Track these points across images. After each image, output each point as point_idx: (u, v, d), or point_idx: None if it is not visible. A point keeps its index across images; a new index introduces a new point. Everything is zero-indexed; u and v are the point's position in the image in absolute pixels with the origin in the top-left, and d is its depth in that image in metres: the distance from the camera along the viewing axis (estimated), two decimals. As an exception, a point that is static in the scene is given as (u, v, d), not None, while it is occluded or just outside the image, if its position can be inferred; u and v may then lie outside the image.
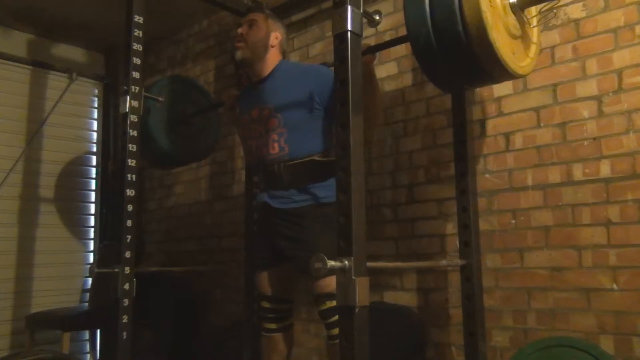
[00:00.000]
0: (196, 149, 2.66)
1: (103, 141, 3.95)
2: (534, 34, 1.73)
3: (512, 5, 1.58)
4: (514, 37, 1.59)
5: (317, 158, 1.91)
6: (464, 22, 1.43)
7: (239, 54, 2.00)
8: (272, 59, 2.02)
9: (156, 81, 2.59)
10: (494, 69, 1.53)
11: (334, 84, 1.38)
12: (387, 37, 2.49)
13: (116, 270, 1.97)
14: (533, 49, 1.72)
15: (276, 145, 1.93)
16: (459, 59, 1.51)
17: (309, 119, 1.91)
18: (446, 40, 1.47)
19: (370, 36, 2.50)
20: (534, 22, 1.72)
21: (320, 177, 1.90)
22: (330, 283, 1.75)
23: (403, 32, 2.47)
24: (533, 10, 1.73)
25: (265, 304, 2.03)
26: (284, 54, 2.09)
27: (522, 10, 1.62)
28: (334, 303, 1.76)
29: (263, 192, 2.01)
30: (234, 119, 2.22)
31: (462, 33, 1.44)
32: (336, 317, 1.75)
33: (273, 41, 2.02)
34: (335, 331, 1.78)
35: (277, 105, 1.94)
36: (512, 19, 1.57)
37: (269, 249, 2.00)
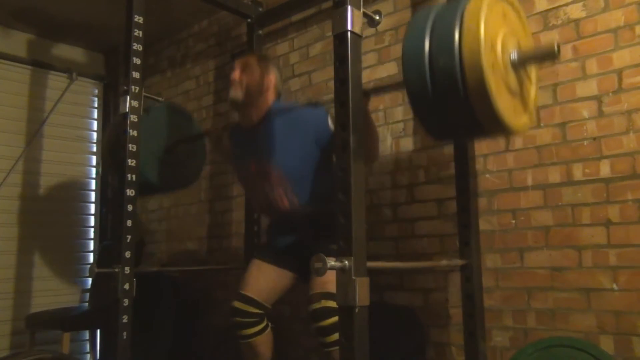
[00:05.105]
0: (181, 177, 2.58)
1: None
2: (532, 91, 1.65)
3: (512, 62, 1.48)
4: (513, 94, 1.52)
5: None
6: (465, 88, 1.34)
7: (232, 94, 1.97)
8: (266, 103, 1.99)
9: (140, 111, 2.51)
10: (495, 129, 1.47)
11: (334, 84, 1.38)
12: (387, 37, 2.49)
13: (116, 270, 1.97)
14: (531, 106, 1.64)
15: (285, 200, 1.94)
16: (460, 121, 1.45)
17: (310, 166, 1.91)
18: (447, 104, 1.40)
19: (370, 36, 2.50)
20: (533, 78, 1.64)
21: None
22: (331, 280, 1.72)
23: (403, 32, 2.48)
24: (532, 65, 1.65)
25: (240, 305, 1.97)
26: (278, 94, 2.06)
27: (522, 67, 1.55)
28: (329, 303, 1.72)
29: (279, 236, 2.05)
30: (223, 152, 2.21)
31: (464, 99, 1.36)
32: (331, 320, 1.71)
33: (267, 84, 1.99)
34: (332, 338, 1.71)
35: (275, 159, 1.92)
36: (512, 76, 1.50)
37: (283, 251, 2.01)
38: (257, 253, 2.16)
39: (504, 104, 1.40)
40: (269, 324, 2.05)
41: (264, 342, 2.01)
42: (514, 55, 1.47)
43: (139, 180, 2.11)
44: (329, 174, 1.90)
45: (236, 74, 1.98)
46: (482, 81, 1.31)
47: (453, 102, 1.37)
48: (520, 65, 1.49)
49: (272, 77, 2.01)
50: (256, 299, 1.98)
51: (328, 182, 1.89)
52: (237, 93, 1.96)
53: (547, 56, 1.47)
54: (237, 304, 1.98)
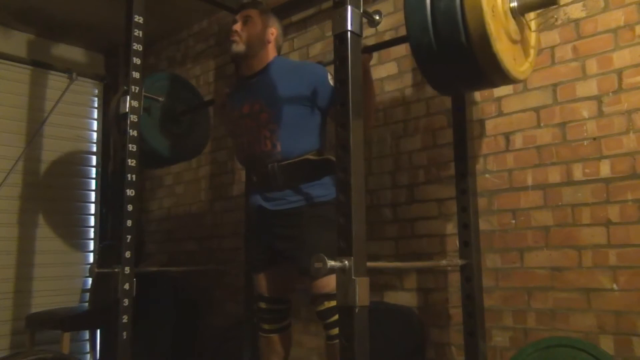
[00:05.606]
0: (186, 147, 2.62)
1: (103, 141, 3.95)
2: (532, 37, 1.72)
3: (512, 10, 1.56)
4: (514, 42, 1.57)
5: (311, 157, 1.90)
6: (467, 32, 1.40)
7: (234, 47, 1.96)
8: (267, 54, 1.99)
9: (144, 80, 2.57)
10: (496, 76, 1.52)
11: (334, 84, 1.38)
12: (387, 37, 2.49)
13: (116, 270, 1.97)
14: (532, 53, 1.71)
15: (268, 142, 1.90)
16: (461, 67, 1.49)
17: (302, 116, 1.89)
18: (448, 49, 1.45)
19: (370, 36, 2.50)
20: (533, 26, 1.72)
21: (315, 176, 1.89)
22: (328, 283, 1.74)
23: (403, 32, 2.47)
24: (532, 13, 1.72)
25: (263, 305, 2.03)
26: (279, 49, 2.06)
27: (522, 15, 1.62)
28: (332, 303, 1.75)
29: (256, 194, 1.99)
30: (225, 117, 2.21)
31: (465, 43, 1.42)
32: (335, 317, 1.75)
33: (269, 37, 1.99)
34: (335, 331, 1.77)
35: (268, 100, 1.91)
36: (512, 24, 1.56)
37: (266, 249, 1.99)
38: (250, 267, 2.18)
39: (504, 50, 1.45)
40: (290, 323, 2.08)
41: (282, 340, 2.03)
42: (514, 3, 1.51)
43: (139, 178, 2.12)
44: (317, 133, 1.91)
45: (238, 26, 1.98)
46: (482, 23, 1.36)
47: (455, 47, 1.42)
48: (520, 12, 1.54)
49: (274, 30, 2.01)
50: (276, 297, 2.03)
51: (314, 139, 1.91)
52: (238, 46, 1.95)
53: (548, 2, 1.51)
54: (261, 305, 2.04)
